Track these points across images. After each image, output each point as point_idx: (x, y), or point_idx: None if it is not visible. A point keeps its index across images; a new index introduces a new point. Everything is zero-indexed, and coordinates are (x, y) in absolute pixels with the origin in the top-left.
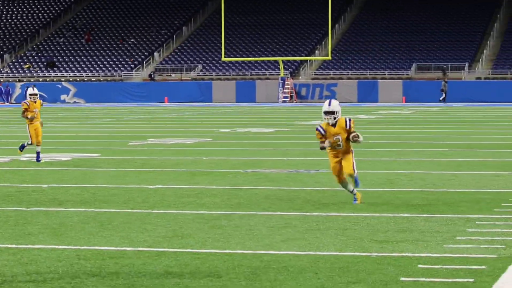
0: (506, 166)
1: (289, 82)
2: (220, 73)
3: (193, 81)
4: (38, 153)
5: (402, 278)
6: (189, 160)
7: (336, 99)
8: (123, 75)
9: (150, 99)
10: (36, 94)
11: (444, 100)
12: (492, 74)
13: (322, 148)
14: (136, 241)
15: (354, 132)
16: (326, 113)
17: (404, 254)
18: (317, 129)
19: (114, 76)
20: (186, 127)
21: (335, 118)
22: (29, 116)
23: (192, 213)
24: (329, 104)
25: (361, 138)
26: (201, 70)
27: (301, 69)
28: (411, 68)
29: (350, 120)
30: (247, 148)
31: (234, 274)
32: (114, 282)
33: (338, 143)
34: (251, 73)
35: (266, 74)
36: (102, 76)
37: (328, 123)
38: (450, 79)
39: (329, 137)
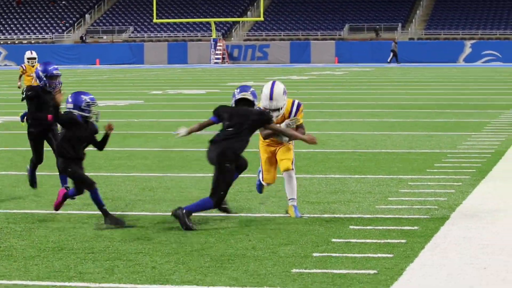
0: (439, 126)
1: (221, 44)
2: (151, 35)
3: (125, 43)
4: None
5: (334, 239)
6: (121, 122)
7: (279, 82)
8: (55, 38)
9: (82, 62)
10: (34, 58)
11: (393, 61)
12: (425, 34)
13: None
14: (66, 204)
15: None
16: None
17: (335, 215)
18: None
19: (46, 38)
20: (117, 89)
21: (278, 116)
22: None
23: (123, 175)
24: (271, 98)
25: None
26: (132, 32)
27: (233, 30)
28: (344, 29)
29: (299, 106)
30: (179, 110)
31: (165, 237)
32: (44, 246)
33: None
34: (183, 34)
35: (198, 36)
36: (33, 38)
37: None
38: (383, 40)
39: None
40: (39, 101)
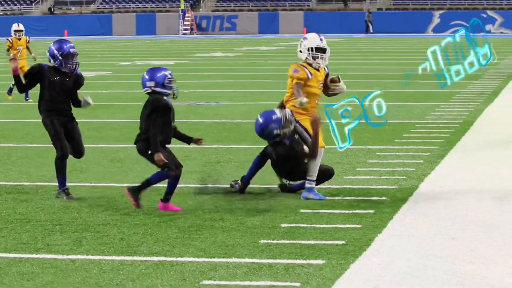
0: (408, 96)
1: (189, 15)
2: (120, 6)
3: (93, 14)
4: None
5: (302, 210)
6: (90, 93)
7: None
8: (23, 9)
9: (50, 33)
10: (21, 31)
11: (368, 31)
12: (394, 5)
13: (301, 104)
14: (35, 176)
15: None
16: (318, 49)
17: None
18: (300, 67)
19: (14, 10)
20: (86, 60)
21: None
22: (11, 55)
23: (91, 147)
24: (321, 38)
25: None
26: (101, 3)
27: (201, 1)
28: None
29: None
30: None
31: (132, 208)
32: (12, 218)
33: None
34: (151, 5)
35: (166, 7)
36: (1, 10)
37: (312, 66)
38: (351, 10)
39: (311, 86)
40: (43, 81)
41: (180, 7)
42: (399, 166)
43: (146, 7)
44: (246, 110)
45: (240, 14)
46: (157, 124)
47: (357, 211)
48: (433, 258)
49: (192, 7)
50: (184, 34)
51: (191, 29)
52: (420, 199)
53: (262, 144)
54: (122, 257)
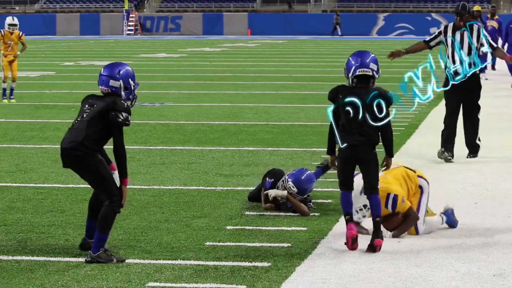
0: None
1: (133, 15)
2: (64, 6)
3: (37, 14)
4: (11, 90)
5: (247, 212)
6: (33, 93)
7: None
8: None
9: None
10: (15, 25)
11: (335, 33)
12: (338, 7)
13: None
14: None
15: None
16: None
17: (249, 188)
18: None
19: None
20: (29, 60)
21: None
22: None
23: (36, 147)
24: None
25: None
26: (44, 3)
27: (145, 2)
28: (257, 1)
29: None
30: (91, 82)
31: (78, 209)
32: None
33: None
34: (95, 5)
35: (110, 7)
36: None
37: None
38: (295, 12)
39: None
40: None
41: (124, 7)
42: None
43: (90, 7)
44: (190, 111)
45: (185, 15)
46: None
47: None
48: (378, 261)
49: (136, 7)
50: (128, 34)
51: (135, 29)
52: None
53: (206, 146)
54: (67, 259)
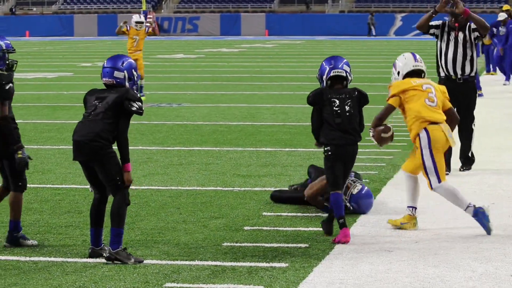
0: (370, 99)
1: (151, 16)
2: (81, 7)
3: (55, 15)
4: (141, 87)
5: (265, 213)
6: (51, 94)
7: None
8: None
9: (11, 33)
10: (141, 22)
11: (371, 34)
12: (356, 7)
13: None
14: None
15: None
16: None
17: (266, 189)
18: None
19: None
20: (47, 61)
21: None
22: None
23: (53, 148)
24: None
25: None
26: (62, 4)
27: (163, 2)
28: (274, 1)
29: None
30: None
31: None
32: None
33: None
34: (113, 6)
35: (128, 8)
36: None
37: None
38: (313, 12)
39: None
40: None
41: (142, 8)
42: (362, 169)
43: (108, 8)
44: (208, 112)
45: (202, 16)
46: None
47: (319, 214)
48: (395, 261)
49: (154, 8)
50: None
51: (153, 30)
52: (383, 202)
53: (224, 147)
54: (84, 259)
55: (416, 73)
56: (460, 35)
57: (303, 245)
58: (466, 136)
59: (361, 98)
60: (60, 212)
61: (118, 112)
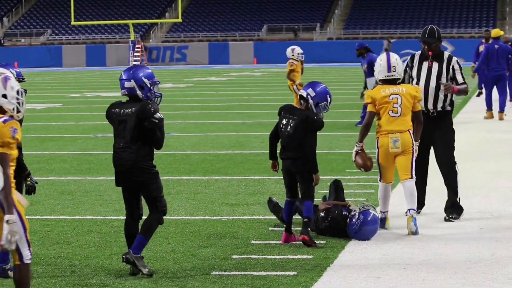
0: (358, 126)
1: (139, 45)
2: (70, 38)
3: (43, 46)
4: None
5: (253, 241)
6: (39, 125)
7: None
8: None
9: None
10: (303, 53)
11: None
12: (344, 34)
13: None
14: None
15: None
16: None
17: (255, 217)
18: None
19: None
20: (36, 92)
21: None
22: (296, 81)
23: (42, 179)
24: (389, 68)
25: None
26: (50, 35)
27: (151, 32)
28: (262, 29)
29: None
30: (97, 113)
31: (84, 241)
32: None
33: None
34: (101, 37)
35: (116, 38)
36: None
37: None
38: (301, 40)
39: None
40: None
41: (130, 38)
42: (350, 196)
43: (96, 39)
44: (197, 141)
45: (190, 45)
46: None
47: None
48: None
49: (142, 38)
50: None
51: (141, 59)
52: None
53: (213, 176)
54: None
55: (389, 81)
56: (435, 65)
57: (291, 273)
58: (451, 179)
59: (308, 123)
60: (49, 243)
61: (144, 133)
